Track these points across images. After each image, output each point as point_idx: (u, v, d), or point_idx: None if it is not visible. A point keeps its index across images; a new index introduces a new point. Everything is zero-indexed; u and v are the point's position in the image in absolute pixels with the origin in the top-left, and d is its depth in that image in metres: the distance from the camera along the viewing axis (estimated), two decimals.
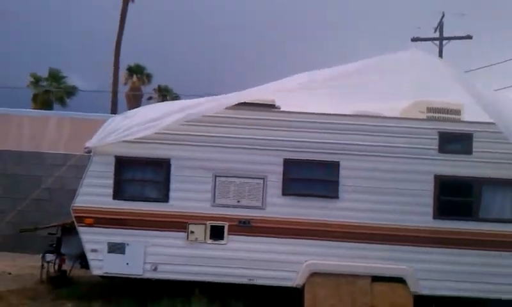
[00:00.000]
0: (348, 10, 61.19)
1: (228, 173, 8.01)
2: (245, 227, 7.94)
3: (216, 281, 7.89)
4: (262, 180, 7.99)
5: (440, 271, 7.77)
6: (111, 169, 8.04)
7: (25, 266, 10.65)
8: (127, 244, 7.92)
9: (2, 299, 8.18)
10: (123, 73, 30.02)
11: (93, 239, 7.91)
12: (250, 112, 8.06)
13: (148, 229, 7.93)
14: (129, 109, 11.99)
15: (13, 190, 12.66)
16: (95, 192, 7.99)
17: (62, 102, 29.70)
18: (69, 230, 8.52)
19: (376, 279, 7.78)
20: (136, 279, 8.05)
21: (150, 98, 31.16)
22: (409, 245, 7.83)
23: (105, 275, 8.11)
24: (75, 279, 9.32)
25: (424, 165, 7.95)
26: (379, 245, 7.84)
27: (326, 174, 8.03)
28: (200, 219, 7.95)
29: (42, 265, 9.04)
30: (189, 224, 7.94)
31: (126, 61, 29.46)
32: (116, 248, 7.91)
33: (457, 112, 8.31)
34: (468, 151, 7.97)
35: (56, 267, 9.08)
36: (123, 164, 8.11)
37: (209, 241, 7.93)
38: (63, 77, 30.20)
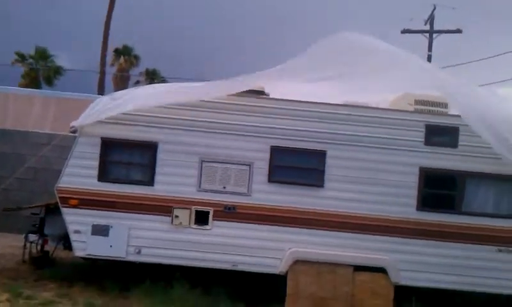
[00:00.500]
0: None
1: (215, 158, 7.99)
2: (230, 213, 7.94)
3: (200, 266, 7.90)
4: (248, 167, 7.98)
5: (421, 262, 7.84)
6: (97, 150, 7.97)
7: (6, 245, 10.53)
8: (111, 226, 7.89)
9: None
10: (110, 55, 29.67)
11: (76, 220, 7.87)
12: (239, 98, 8.01)
13: (132, 212, 7.90)
14: (116, 91, 11.85)
15: None
16: (80, 173, 7.92)
17: (49, 81, 29.33)
18: (53, 211, 8.46)
19: (358, 268, 7.85)
20: (119, 261, 8.04)
21: (137, 82, 30.69)
22: (391, 236, 7.89)
23: (88, 257, 8.07)
24: (58, 260, 9.28)
25: (410, 157, 7.98)
26: (362, 234, 7.89)
27: (312, 163, 8.04)
28: (185, 203, 7.94)
29: (25, 245, 8.98)
30: (174, 208, 7.92)
31: (114, 44, 29.15)
32: (100, 230, 7.87)
33: (444, 105, 8.31)
34: (453, 144, 8.02)
35: (39, 247, 9.02)
36: (109, 146, 8.04)
37: (194, 226, 7.92)
38: (50, 56, 29.80)
